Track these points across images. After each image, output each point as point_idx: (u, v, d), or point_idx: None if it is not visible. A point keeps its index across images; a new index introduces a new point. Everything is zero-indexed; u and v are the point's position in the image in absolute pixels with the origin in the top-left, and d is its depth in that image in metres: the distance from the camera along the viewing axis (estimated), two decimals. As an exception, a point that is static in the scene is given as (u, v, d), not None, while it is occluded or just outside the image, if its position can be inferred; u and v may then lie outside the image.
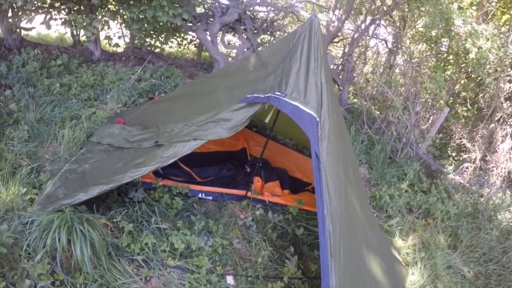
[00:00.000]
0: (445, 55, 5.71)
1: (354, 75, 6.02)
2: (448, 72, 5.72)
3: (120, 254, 2.73)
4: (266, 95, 2.73)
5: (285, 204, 3.96)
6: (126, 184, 3.37)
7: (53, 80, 4.63)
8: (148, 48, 5.70)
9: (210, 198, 3.79)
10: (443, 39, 5.07)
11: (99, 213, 2.89)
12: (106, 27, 5.20)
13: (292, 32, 3.09)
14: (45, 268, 2.32)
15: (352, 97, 7.07)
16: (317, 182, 2.44)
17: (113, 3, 5.19)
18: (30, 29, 5.43)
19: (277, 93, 2.68)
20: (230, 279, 2.96)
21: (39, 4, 4.41)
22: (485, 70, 4.83)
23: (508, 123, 5.30)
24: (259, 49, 6.28)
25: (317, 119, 2.56)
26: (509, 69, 4.92)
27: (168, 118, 3.51)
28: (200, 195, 3.74)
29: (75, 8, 4.93)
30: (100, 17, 4.72)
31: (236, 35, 6.76)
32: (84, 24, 4.58)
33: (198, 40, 6.96)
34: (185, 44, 7.32)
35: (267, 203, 3.93)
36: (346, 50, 6.26)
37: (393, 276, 3.23)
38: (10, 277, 2.29)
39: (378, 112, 5.91)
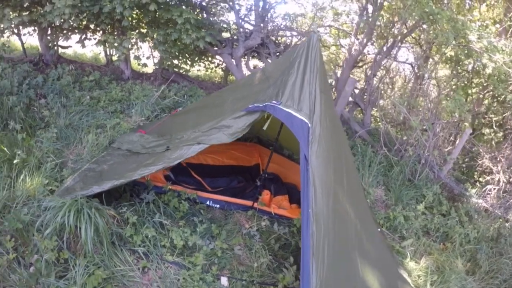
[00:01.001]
0: (467, 74, 5.73)
1: (376, 98, 6.19)
2: (472, 91, 5.70)
3: (123, 244, 3.05)
4: (264, 104, 3.04)
5: (291, 217, 4.14)
6: (138, 186, 3.79)
7: (84, 93, 5.27)
8: (175, 69, 6.26)
9: (218, 206, 4.06)
10: (466, 61, 5.14)
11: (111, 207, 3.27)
12: (135, 48, 5.81)
13: (293, 47, 3.44)
14: (52, 244, 2.69)
15: (375, 120, 7.19)
16: (304, 183, 2.66)
17: (144, 26, 5.84)
18: (66, 47, 6.22)
19: (274, 101, 2.98)
20: (224, 280, 3.16)
21: (75, 24, 5.10)
22: (509, 88, 4.82)
23: (533, 142, 5.20)
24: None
25: (309, 124, 2.81)
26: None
27: (180, 127, 3.90)
28: (208, 203, 4.03)
29: (108, 30, 5.61)
30: (130, 38, 5.33)
31: (260, 59, 7.21)
32: (115, 44, 5.21)
33: (224, 64, 7.49)
34: (212, 68, 7.87)
35: (273, 215, 4.13)
36: (368, 74, 6.48)
37: (394, 293, 3.30)
38: (21, 251, 2.70)
39: (398, 134, 5.99)
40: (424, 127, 5.26)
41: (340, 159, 3.17)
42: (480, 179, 5.65)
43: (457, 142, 5.76)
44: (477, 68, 5.06)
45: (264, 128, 3.34)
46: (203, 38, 5.27)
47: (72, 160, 3.91)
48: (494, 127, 5.71)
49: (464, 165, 5.94)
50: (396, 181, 5.34)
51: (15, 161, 3.37)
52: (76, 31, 5.67)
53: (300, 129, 2.81)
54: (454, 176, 5.71)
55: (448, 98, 4.98)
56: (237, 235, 3.74)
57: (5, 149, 3.53)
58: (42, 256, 2.66)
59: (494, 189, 5.07)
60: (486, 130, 6.18)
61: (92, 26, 5.65)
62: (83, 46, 5.61)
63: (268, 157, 5.10)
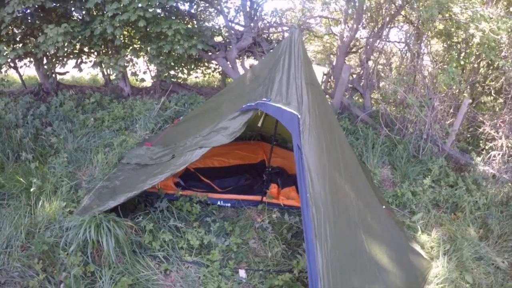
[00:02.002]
0: (459, 45, 5.88)
1: (374, 81, 6.40)
2: (466, 61, 5.82)
3: (143, 251, 3.37)
4: (256, 102, 3.34)
5: (300, 206, 4.40)
6: (151, 196, 4.12)
7: (88, 115, 5.65)
8: (173, 79, 6.60)
9: (229, 205, 4.37)
10: (455, 33, 5.30)
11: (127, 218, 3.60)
12: (131, 65, 6.16)
13: (277, 46, 3.71)
14: (78, 259, 3.01)
15: (376, 103, 7.38)
16: (299, 170, 2.92)
17: (137, 42, 6.19)
18: (64, 73, 6.63)
19: (264, 99, 3.27)
20: (242, 273, 3.45)
21: (69, 50, 5.46)
22: (500, 54, 4.95)
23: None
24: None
25: (299, 115, 3.08)
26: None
27: (183, 135, 4.22)
28: (219, 203, 4.34)
29: (102, 51, 5.97)
30: (124, 56, 5.68)
31: (255, 58, 7.48)
32: (111, 64, 5.57)
33: (221, 68, 7.79)
34: (209, 73, 8.20)
35: (282, 207, 4.41)
36: (362, 58, 6.70)
37: (408, 267, 3.50)
38: (50, 271, 3.02)
39: (396, 112, 6.19)
40: (422, 104, 5.45)
41: (334, 144, 3.42)
42: (486, 147, 5.78)
43: (452, 112, 5.92)
44: (467, 39, 5.22)
45: (259, 125, 3.62)
46: (195, 46, 5.58)
47: (85, 180, 4.27)
48: (492, 94, 5.85)
49: (468, 135, 6.10)
50: (401, 159, 5.57)
51: (32, 189, 3.70)
52: (71, 56, 6.05)
53: (290, 121, 3.08)
54: (459, 147, 5.89)
55: (442, 72, 5.14)
56: (250, 229, 4.02)
57: (21, 179, 3.88)
58: (69, 272, 2.97)
59: (499, 154, 5.21)
60: (486, 98, 6.31)
61: (86, 49, 6.02)
62: (80, 70, 5.98)
63: (273, 153, 5.44)
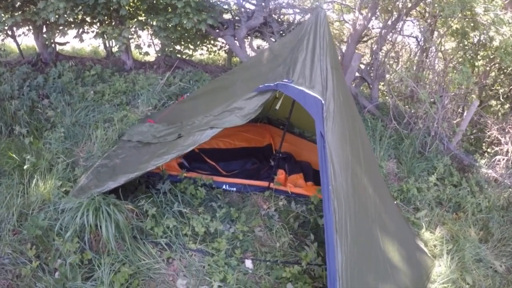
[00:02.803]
0: (473, 46, 5.64)
1: (383, 72, 6.10)
2: (479, 63, 5.63)
3: (145, 237, 3.05)
4: (275, 83, 2.99)
5: (308, 195, 4.14)
6: (154, 177, 3.77)
7: (87, 88, 5.21)
8: (178, 55, 6.15)
9: (234, 189, 4.06)
10: (472, 33, 5.04)
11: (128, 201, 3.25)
12: (136, 37, 5.70)
13: (300, 25, 3.35)
14: (74, 246, 2.68)
15: (383, 95, 7.11)
16: (322, 160, 2.64)
17: (142, 13, 5.71)
18: (64, 44, 6.07)
19: (285, 80, 2.93)
20: (249, 263, 3.18)
21: (71, 19, 4.98)
22: None
23: (540, 113, 5.17)
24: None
25: (322, 101, 2.76)
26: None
27: (191, 113, 3.85)
28: (224, 187, 4.03)
29: (105, 21, 5.48)
30: (129, 27, 5.22)
31: (264, 39, 7.07)
32: (115, 35, 5.11)
33: (227, 46, 7.37)
34: (215, 51, 7.77)
35: (290, 194, 4.13)
36: (374, 48, 6.37)
37: (415, 265, 3.30)
38: (44, 258, 2.68)
39: (407, 107, 5.93)
40: (432, 100, 5.19)
41: (355, 134, 3.13)
42: (489, 150, 5.63)
43: (464, 113, 5.70)
44: (483, 41, 4.97)
45: (277, 107, 3.29)
46: (205, 21, 5.16)
47: (83, 158, 3.88)
48: (501, 98, 5.64)
49: (472, 137, 5.89)
50: (407, 154, 5.31)
51: (25, 167, 3.33)
52: (73, 25, 5.54)
53: (314, 106, 2.77)
54: (463, 148, 5.68)
55: (455, 71, 4.90)
56: (256, 216, 3.75)
57: (14, 155, 3.49)
58: (65, 260, 2.65)
59: (503, 159, 5.05)
60: (493, 102, 6.11)
61: (88, 19, 5.54)
62: (81, 40, 5.49)
63: (280, 137, 5.09)
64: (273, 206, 3.92)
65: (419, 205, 4.52)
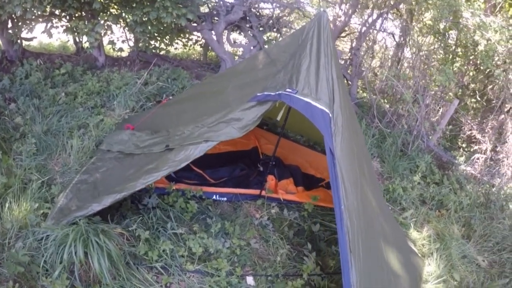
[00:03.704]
0: (453, 47, 5.63)
1: (363, 69, 5.95)
2: (457, 65, 5.65)
3: (138, 262, 2.71)
4: (277, 92, 2.71)
5: (300, 201, 3.94)
6: (139, 190, 3.36)
7: (58, 89, 4.62)
8: (153, 51, 5.65)
9: (225, 199, 3.77)
10: (450, 31, 4.99)
11: (114, 222, 2.89)
12: (109, 32, 5.15)
13: (300, 28, 3.05)
14: (64, 284, 2.30)
15: (361, 91, 6.99)
16: (333, 178, 2.42)
17: (115, 7, 5.15)
18: (31, 39, 5.38)
19: (288, 90, 2.65)
20: (250, 280, 2.95)
21: (39, 13, 4.37)
22: (494, 62, 4.78)
23: (518, 114, 5.27)
24: (265, 46, 6.22)
25: (330, 114, 2.52)
26: (518, 61, 4.87)
27: (177, 121, 3.49)
28: (214, 197, 3.72)
29: (76, 15, 4.89)
30: (102, 22, 4.68)
31: (242, 33, 6.69)
32: (86, 30, 4.56)
33: (203, 40, 6.93)
34: (191, 45, 7.29)
35: (282, 201, 3.90)
36: (353, 45, 6.18)
37: (410, 268, 3.21)
38: None
39: (388, 106, 5.84)
40: (414, 99, 5.12)
41: (359, 147, 2.94)
42: (464, 145, 5.71)
43: (440, 111, 5.70)
44: (465, 42, 4.95)
45: (278, 118, 3.00)
46: (185, 15, 4.72)
47: (58, 172, 3.39)
48: (477, 97, 5.68)
49: (447, 133, 5.91)
50: (390, 152, 5.24)
51: None
52: (41, 20, 4.88)
53: (322, 120, 2.52)
54: (442, 145, 5.69)
55: (437, 71, 4.84)
56: (250, 227, 3.50)
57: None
58: None
59: (482, 157, 5.10)
60: (469, 100, 6.16)
61: (57, 12, 4.89)
62: (50, 35, 4.87)
63: (265, 138, 4.86)
64: (265, 215, 3.69)
65: (404, 204, 4.46)
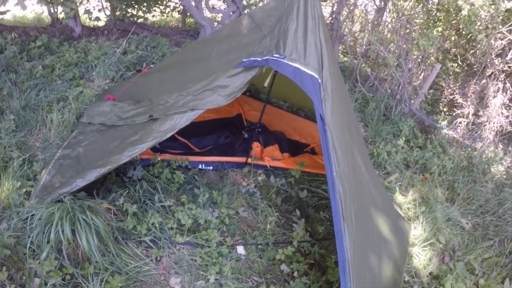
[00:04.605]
0: (435, 12, 5.44)
1: (344, 33, 5.72)
2: (439, 29, 5.48)
3: (127, 237, 2.58)
4: (264, 57, 2.53)
5: (287, 168, 3.84)
6: (124, 163, 3.18)
7: (35, 62, 4.28)
8: (131, 19, 5.27)
9: (211, 168, 3.63)
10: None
11: (100, 197, 2.72)
12: (84, 1, 4.75)
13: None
14: (52, 265, 2.15)
15: (342, 55, 6.79)
16: (324, 145, 2.30)
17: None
18: (4, 13, 4.89)
19: (276, 55, 2.47)
20: (240, 249, 2.88)
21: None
22: (476, 27, 4.63)
23: (500, 78, 5.20)
24: (245, 11, 5.89)
25: (319, 80, 2.36)
26: (500, 26, 4.74)
27: (160, 89, 3.26)
28: (200, 166, 3.58)
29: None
30: (76, -11, 4.29)
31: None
32: (61, 0, 4.15)
33: (181, 7, 6.51)
34: (169, 12, 6.90)
35: (268, 168, 3.79)
36: (334, 9, 5.91)
37: (398, 232, 3.17)
38: (18, 278, 2.12)
39: (369, 70, 5.68)
40: (396, 64, 4.97)
41: (348, 111, 2.80)
42: (445, 109, 5.65)
43: (422, 75, 5.60)
44: (447, 7, 4.76)
45: (265, 85, 2.83)
46: (163, -20, 4.36)
47: (39, 148, 3.16)
48: (459, 62, 5.57)
49: (429, 97, 5.84)
50: (373, 116, 5.14)
51: None
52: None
53: (311, 86, 2.36)
54: (424, 109, 5.62)
55: (420, 36, 4.66)
56: (237, 196, 3.38)
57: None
58: (44, 280, 2.13)
59: (464, 121, 5.06)
60: (450, 64, 6.05)
61: None
62: (24, 8, 4.42)
63: (248, 104, 4.65)
64: (252, 183, 3.59)
65: (389, 168, 4.41)
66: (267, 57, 2.49)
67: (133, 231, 2.61)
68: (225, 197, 3.23)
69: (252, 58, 2.58)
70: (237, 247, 2.87)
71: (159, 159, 3.30)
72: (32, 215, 2.35)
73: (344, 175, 2.30)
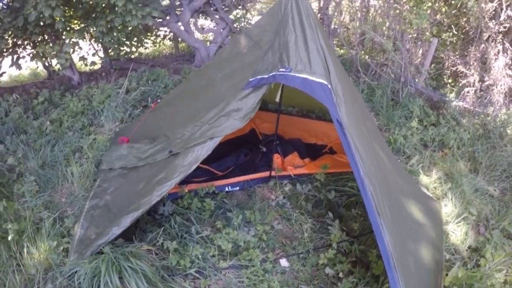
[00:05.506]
0: None
1: (336, 27, 5.80)
2: (430, 4, 5.52)
3: (173, 273, 2.66)
4: (271, 74, 2.61)
5: (310, 173, 3.91)
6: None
7: (42, 119, 4.40)
8: (125, 56, 5.40)
9: (237, 188, 3.72)
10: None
11: (137, 240, 2.81)
12: (77, 48, 4.88)
13: (276, 4, 2.91)
14: None
15: (338, 49, 6.86)
16: (346, 148, 2.37)
17: (76, 22, 4.87)
18: (0, 75, 5.07)
19: (281, 69, 2.56)
20: (283, 262, 2.94)
21: (1, 46, 4.09)
22: None
23: (498, 40, 5.24)
24: (235, 25, 6.00)
25: (329, 86, 2.44)
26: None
27: (173, 123, 3.35)
28: (227, 189, 3.67)
29: (39, 39, 4.59)
30: (68, 40, 4.41)
31: (208, 18, 6.45)
32: (54, 52, 4.30)
33: (171, 34, 6.65)
34: (160, 41, 7.06)
35: (292, 177, 3.87)
36: (321, 5, 5.99)
37: (430, 214, 3.23)
38: None
39: (368, 58, 5.73)
40: (395, 48, 5.03)
41: (360, 107, 2.88)
42: (450, 81, 5.66)
43: (420, 51, 5.63)
44: None
45: (277, 99, 2.90)
46: (150, 14, 4.48)
47: (66, 203, 3.26)
48: (454, 31, 5.60)
49: (431, 72, 5.88)
50: (382, 104, 5.20)
51: (9, 237, 2.69)
52: (5, 54, 4.58)
53: (323, 93, 2.45)
54: (429, 85, 5.66)
55: (411, 15, 4.71)
56: (268, 210, 3.46)
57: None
58: None
59: (472, 90, 5.09)
60: (445, 35, 6.08)
61: (19, 42, 4.58)
62: (19, 67, 4.57)
63: (259, 118, 4.72)
64: (280, 194, 3.67)
65: (408, 152, 4.47)
66: (273, 73, 2.57)
67: (177, 267, 2.69)
68: (257, 214, 3.31)
69: (258, 77, 2.67)
70: (280, 260, 2.94)
71: (186, 190, 3.38)
72: (76, 271, 2.43)
73: (371, 172, 2.38)
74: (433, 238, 2.95)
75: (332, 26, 5.92)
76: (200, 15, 6.31)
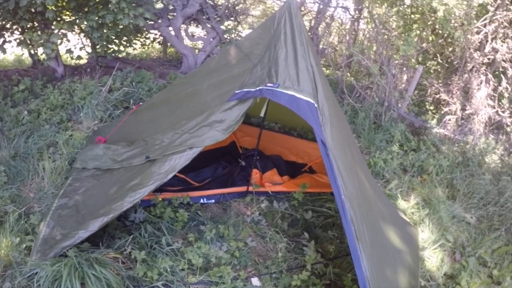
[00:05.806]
0: (410, 15, 5.59)
1: (324, 47, 5.81)
2: (418, 32, 5.62)
3: (139, 284, 2.49)
4: (257, 88, 2.53)
5: (289, 191, 3.80)
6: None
7: (20, 108, 4.19)
8: (113, 54, 5.25)
9: (213, 201, 3.57)
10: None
11: (104, 246, 2.64)
12: (64, 40, 4.71)
13: (269, 18, 2.85)
14: None
15: (324, 69, 6.88)
16: (329, 169, 2.30)
17: (68, 13, 4.69)
18: None
19: (269, 84, 2.47)
20: (255, 281, 2.81)
21: (-11, 28, 3.91)
22: (452, 25, 4.77)
23: (481, 71, 5.34)
24: (225, 35, 5.94)
25: (315, 105, 2.38)
26: (475, 21, 4.89)
27: (154, 128, 3.23)
28: (202, 201, 3.51)
29: (28, 26, 4.40)
30: (57, 31, 4.24)
31: (199, 26, 6.37)
32: (42, 41, 4.11)
33: (161, 38, 6.53)
34: (149, 44, 6.91)
35: (270, 194, 3.75)
36: (312, 24, 6.00)
37: (407, 239, 3.18)
38: None
39: (353, 79, 5.76)
40: (381, 72, 5.06)
41: (345, 129, 2.82)
42: (431, 108, 5.73)
43: (405, 78, 5.70)
44: (421, 9, 4.90)
45: (262, 114, 2.82)
46: (142, 15, 4.36)
47: (34, 199, 3.06)
48: (439, 60, 5.71)
49: (414, 98, 5.95)
50: (364, 126, 5.19)
51: None
52: (-8, 36, 4.38)
53: (309, 112, 2.38)
54: (412, 111, 5.72)
55: (399, 41, 4.77)
56: (243, 226, 3.33)
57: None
58: None
59: (453, 118, 5.16)
60: (430, 63, 6.18)
61: (8, 25, 4.38)
62: (4, 51, 4.37)
63: (241, 131, 4.62)
64: (256, 210, 3.54)
65: (387, 176, 4.43)
66: (260, 87, 2.49)
67: (144, 278, 2.52)
68: (231, 229, 3.18)
69: (245, 90, 2.59)
70: (252, 279, 2.80)
71: (160, 198, 3.23)
72: (36, 272, 2.27)
73: (352, 196, 2.31)
74: (410, 264, 2.90)
75: (321, 46, 5.93)
76: (192, 22, 6.21)
